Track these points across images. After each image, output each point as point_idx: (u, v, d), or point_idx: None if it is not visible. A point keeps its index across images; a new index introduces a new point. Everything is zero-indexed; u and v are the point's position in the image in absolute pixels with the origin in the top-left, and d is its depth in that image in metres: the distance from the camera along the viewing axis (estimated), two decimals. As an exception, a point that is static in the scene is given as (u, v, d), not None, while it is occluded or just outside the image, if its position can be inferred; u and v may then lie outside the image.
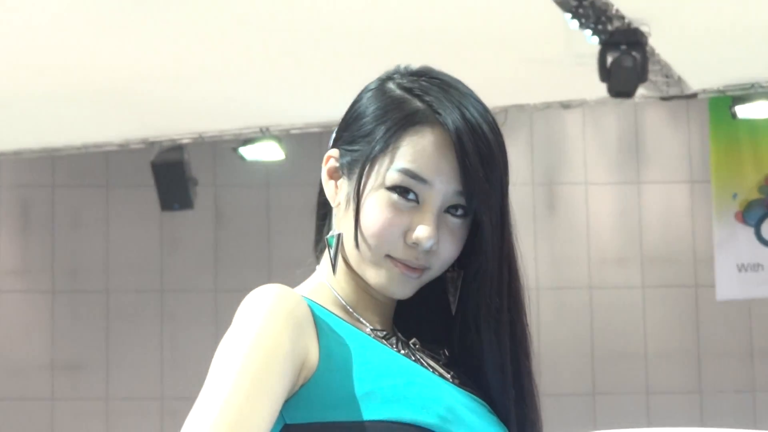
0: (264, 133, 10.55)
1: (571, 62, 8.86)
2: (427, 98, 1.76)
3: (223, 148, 11.21)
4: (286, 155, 11.01)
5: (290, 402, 1.67)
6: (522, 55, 8.66)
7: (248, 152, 10.97)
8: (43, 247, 14.55)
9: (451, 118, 1.74)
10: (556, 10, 7.89)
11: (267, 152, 11.14)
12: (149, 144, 10.72)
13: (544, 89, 9.96)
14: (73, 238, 14.45)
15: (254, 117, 10.32)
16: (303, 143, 11.45)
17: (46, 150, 11.38)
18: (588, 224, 13.79)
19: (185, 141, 10.71)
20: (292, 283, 1.86)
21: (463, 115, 1.75)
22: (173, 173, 10.71)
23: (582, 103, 10.43)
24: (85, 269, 14.34)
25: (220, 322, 14.44)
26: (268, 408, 1.62)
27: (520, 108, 10.51)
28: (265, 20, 8.35)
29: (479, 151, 1.74)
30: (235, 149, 10.90)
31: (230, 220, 13.99)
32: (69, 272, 14.48)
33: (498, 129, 1.79)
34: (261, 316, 1.67)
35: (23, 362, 14.55)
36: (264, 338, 1.66)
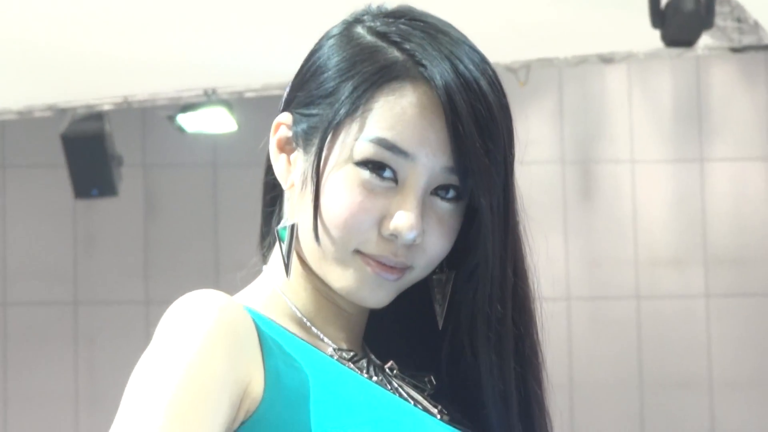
0: (210, 97, 10.40)
1: (614, 2, 8.86)
2: (408, 46, 1.72)
3: (156, 117, 11.17)
4: (239, 126, 10.98)
5: None
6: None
7: (189, 122, 10.84)
8: None
9: (438, 71, 1.70)
10: None
11: (214, 122, 11.00)
12: (59, 111, 10.60)
13: (578, 38, 9.85)
14: None
15: (196, 75, 10.16)
16: (261, 110, 10.49)
17: None
18: (635, 214, 13.60)
19: (106, 107, 10.54)
20: (238, 290, 1.82)
21: (455, 68, 1.71)
22: (91, 149, 10.57)
23: (627, 56, 10.42)
24: None
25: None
26: None
27: (547, 63, 10.39)
28: None
29: (476, 115, 1.70)
30: (171, 118, 10.77)
31: (166, 210, 13.87)
32: None
33: (501, 87, 1.75)
34: (187, 334, 1.60)
35: None
36: (191, 364, 1.58)
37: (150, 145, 13.15)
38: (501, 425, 1.77)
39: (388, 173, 1.69)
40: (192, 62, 10.04)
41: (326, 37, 1.80)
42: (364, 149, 1.68)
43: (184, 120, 10.92)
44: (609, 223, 13.32)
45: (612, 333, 12.88)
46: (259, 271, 1.84)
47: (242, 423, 1.60)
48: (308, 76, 1.78)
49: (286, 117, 1.78)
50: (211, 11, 9.24)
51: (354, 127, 1.70)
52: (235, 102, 10.77)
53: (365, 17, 1.77)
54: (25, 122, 11.37)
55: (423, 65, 1.69)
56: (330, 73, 1.75)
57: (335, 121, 1.71)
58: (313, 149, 1.73)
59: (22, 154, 12.64)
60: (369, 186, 1.69)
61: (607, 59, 10.55)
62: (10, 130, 12.28)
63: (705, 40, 9.14)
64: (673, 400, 12.51)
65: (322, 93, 1.74)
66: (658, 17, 8.46)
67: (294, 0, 8.92)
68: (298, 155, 1.76)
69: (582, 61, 10.55)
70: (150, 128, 12.62)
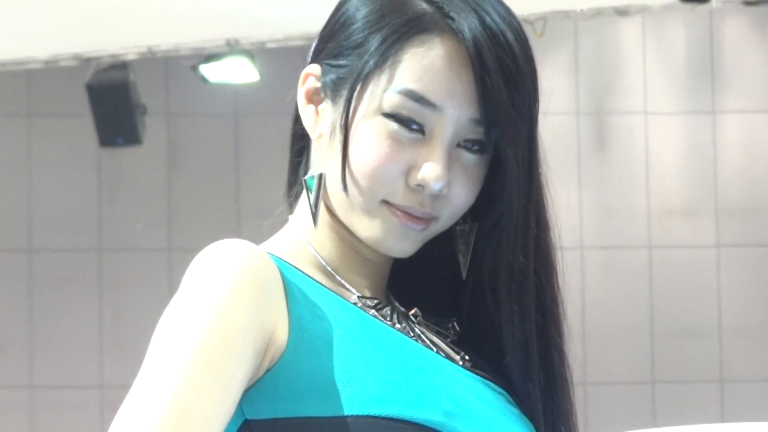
0: (232, 47, 10.30)
1: None
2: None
3: (180, 67, 11.13)
4: (261, 76, 10.93)
5: (252, 391, 1.63)
6: None
7: (212, 72, 10.79)
8: None
9: (466, 23, 1.71)
10: None
11: (236, 72, 10.97)
12: (84, 61, 10.47)
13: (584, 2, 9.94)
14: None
15: (219, 26, 9.95)
16: (282, 60, 11.11)
17: None
18: (647, 165, 13.61)
19: (131, 57, 10.41)
20: (263, 239, 1.82)
21: (482, 21, 1.71)
22: (115, 98, 10.54)
23: (642, 9, 10.41)
24: (1, 223, 14.10)
25: (175, 289, 15.16)
26: (222, 400, 1.58)
27: (563, 15, 10.31)
28: None
29: (503, 67, 1.70)
30: (194, 68, 10.72)
31: (188, 159, 13.87)
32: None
33: (526, 39, 1.76)
34: (214, 282, 1.62)
35: None
36: (218, 311, 1.61)
37: (173, 94, 13.12)
38: (521, 373, 1.76)
39: (415, 125, 1.69)
40: (215, 12, 9.87)
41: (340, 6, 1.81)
42: (393, 100, 1.68)
43: (206, 70, 10.87)
44: (622, 173, 13.32)
45: (624, 281, 12.92)
46: (285, 221, 1.85)
47: (267, 370, 1.61)
48: (337, 27, 1.77)
49: (314, 68, 1.78)
50: None
51: (383, 78, 1.70)
52: (257, 52, 10.67)
53: None
54: (51, 71, 11.33)
55: (451, 17, 1.69)
56: (359, 24, 1.74)
57: (364, 72, 1.71)
58: (342, 100, 1.73)
59: (48, 103, 12.73)
60: (397, 137, 1.68)
61: (622, 12, 10.55)
62: (36, 79, 12.22)
63: None
64: (683, 346, 12.59)
65: (351, 44, 1.74)
66: None
67: None
68: (327, 106, 1.76)
69: (598, 13, 10.57)
70: (173, 78, 12.59)
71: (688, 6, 9.59)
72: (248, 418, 1.64)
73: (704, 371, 12.68)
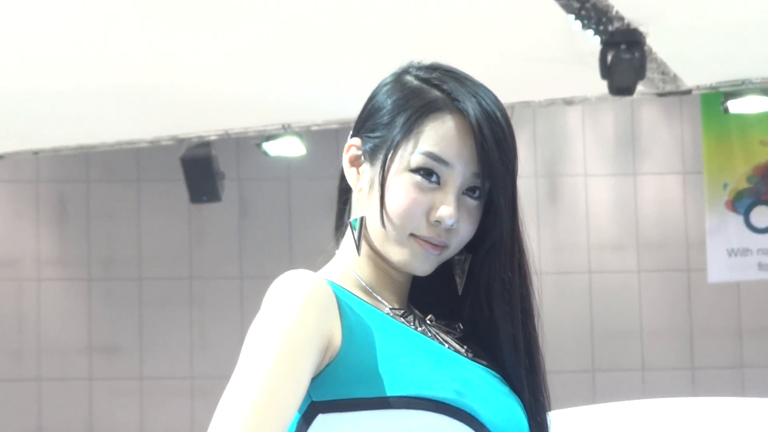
0: (286, 130, 10.52)
1: (574, 61, 8.84)
2: (445, 87, 1.76)
3: (248, 144, 11.30)
4: (307, 150, 11.04)
5: (316, 380, 1.67)
6: (527, 55, 8.67)
7: (271, 147, 10.95)
8: (79, 238, 14.68)
9: (470, 105, 1.74)
10: (560, 11, 7.89)
11: (289, 147, 11.09)
12: (178, 141, 10.67)
13: (547, 87, 9.87)
14: (107, 229, 14.54)
15: (277, 114, 10.24)
16: (322, 139, 11.51)
17: (81, 147, 11.33)
18: (587, 213, 13.88)
19: (212, 137, 10.68)
20: (313, 270, 1.85)
21: (479, 103, 1.75)
22: (201, 168, 10.68)
23: (583, 100, 10.41)
24: (119, 259, 14.48)
25: (245, 306, 14.68)
26: (296, 388, 1.63)
27: (525, 104, 10.31)
28: (285, 19, 8.19)
29: (495, 137, 1.74)
30: (258, 145, 10.88)
31: (254, 212, 14.14)
32: (104, 261, 14.56)
33: (508, 117, 1.80)
34: (288, 302, 1.67)
35: (63, 345, 14.77)
36: (291, 322, 1.66)
37: (243, 164, 13.28)
38: (511, 360, 1.78)
39: (434, 177, 1.70)
40: (273, 104, 9.94)
41: (382, 84, 1.82)
42: (418, 160, 1.70)
43: (267, 146, 10.94)
44: (569, 219, 13.59)
45: (572, 299, 13.06)
46: (332, 255, 1.87)
47: (327, 365, 1.65)
48: (372, 111, 1.80)
49: (356, 140, 1.80)
50: (287, 66, 9.15)
51: (410, 144, 1.71)
52: (304, 133, 10.76)
53: (410, 69, 1.79)
54: (155, 149, 11.56)
55: (458, 100, 1.72)
56: (388, 107, 1.77)
57: (395, 141, 1.73)
58: (379, 161, 1.75)
59: (153, 172, 13.04)
60: (420, 187, 1.70)
61: (568, 102, 10.35)
62: (144, 154, 12.52)
63: (639, 87, 8.90)
64: (615, 346, 12.81)
65: (384, 121, 1.76)
66: (605, 71, 8.33)
67: (344, 57, 8.90)
68: (366, 167, 1.77)
69: (551, 103, 10.38)
70: (243, 152, 12.69)
71: (617, 97, 9.19)
72: (314, 399, 1.68)
73: (631, 363, 12.74)
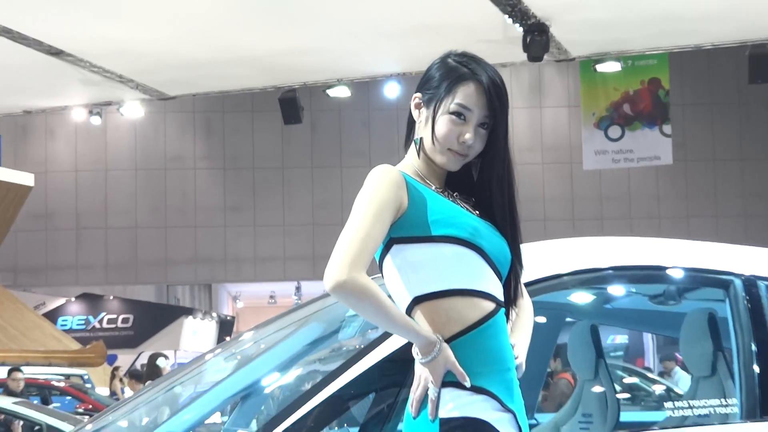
0: (339, 81, 12.37)
1: (506, 41, 10.53)
2: (470, 66, 2.15)
3: (317, 90, 13.49)
4: (351, 93, 13.42)
5: (394, 226, 2.10)
6: (480, 38, 10.04)
7: (330, 92, 12.90)
8: (217, 145, 20.03)
9: (484, 77, 2.14)
10: (499, 13, 9.77)
11: (340, 91, 12.92)
12: (277, 88, 12.60)
13: (491, 57, 9.52)
14: (233, 140, 19.70)
15: (334, 72, 12.08)
16: (360, 87, 14.40)
17: (220, 91, 13.36)
18: (512, 129, 15.69)
19: (296, 86, 12.39)
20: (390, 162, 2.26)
21: (489, 76, 2.15)
22: (289, 104, 12.42)
23: (511, 64, 12.07)
24: (242, 156, 19.71)
25: (314, 184, 19.22)
26: (381, 230, 2.09)
27: None
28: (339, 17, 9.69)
29: (498, 95, 2.14)
30: (324, 90, 12.96)
31: (320, 129, 19.11)
32: (233, 158, 19.90)
33: (504, 83, 2.17)
34: (378, 183, 2.09)
35: (209, 206, 19.97)
36: (380, 193, 2.09)
37: (314, 101, 17.25)
38: (501, 217, 2.20)
39: (462, 118, 2.11)
40: (333, 67, 11.54)
41: (434, 63, 2.21)
42: (453, 107, 2.12)
43: (329, 91, 12.57)
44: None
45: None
46: (401, 157, 2.23)
47: (399, 218, 2.11)
48: (429, 77, 2.21)
49: (418, 94, 2.20)
50: (342, 46, 10.68)
51: (449, 98, 2.13)
52: (349, 83, 12.49)
53: (450, 54, 2.19)
54: (264, 93, 13.65)
55: (477, 74, 2.13)
56: (438, 77, 2.18)
57: (441, 96, 2.14)
58: (432, 107, 2.16)
59: (262, 105, 16.80)
60: (454, 122, 2.12)
61: (503, 65, 6.96)
62: (257, 95, 15.65)
63: (545, 57, 10.49)
64: (524, 207, 17.11)
65: (435, 84, 2.18)
66: (525, 47, 9.95)
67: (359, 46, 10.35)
68: (423, 109, 2.18)
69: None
70: (314, 94, 15.72)
71: (532, 63, 10.61)
72: (392, 236, 2.11)
73: (534, 215, 16.96)
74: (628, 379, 10.10)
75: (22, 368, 10.60)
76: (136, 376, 9.47)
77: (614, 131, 13.94)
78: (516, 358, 2.17)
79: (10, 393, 9.45)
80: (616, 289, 3.06)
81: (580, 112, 14.83)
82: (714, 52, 11.59)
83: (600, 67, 12.79)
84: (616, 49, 11.27)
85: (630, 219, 17.93)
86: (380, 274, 2.16)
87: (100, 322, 20.97)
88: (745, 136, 18.71)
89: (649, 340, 17.59)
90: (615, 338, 17.31)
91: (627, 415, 3.86)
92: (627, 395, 8.77)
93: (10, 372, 10.03)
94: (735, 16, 10.01)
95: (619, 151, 14.03)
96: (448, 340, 2.09)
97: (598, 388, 3.21)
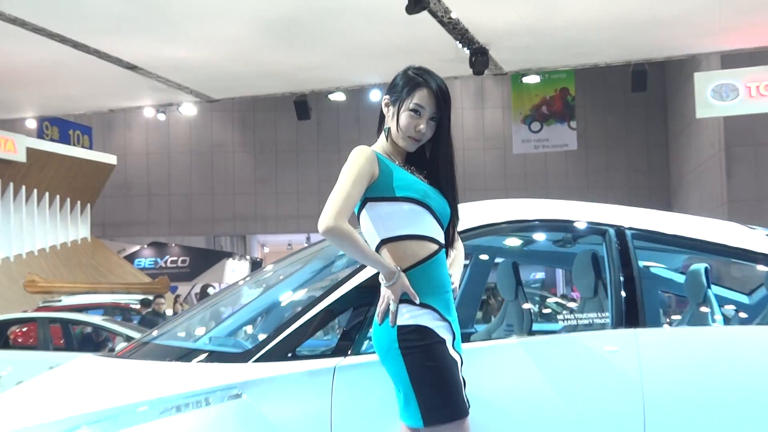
0: (338, 89, 11.93)
1: (457, 60, 10.20)
2: (424, 77, 2.11)
3: (321, 95, 12.87)
4: (346, 97, 13.50)
5: (367, 190, 2.09)
6: (439, 58, 9.95)
7: (331, 96, 12.58)
8: (249, 134, 19.04)
9: (434, 84, 2.11)
10: (452, 40, 9.52)
11: (338, 96, 12.22)
12: (292, 93, 12.26)
13: (446, 72, 10.40)
14: (271, 131, 18.61)
15: (334, 82, 11.58)
16: (353, 93, 14.59)
17: (253, 96, 12.72)
18: (462, 125, 17.68)
19: (306, 92, 11.88)
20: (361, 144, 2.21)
21: (437, 84, 2.12)
22: (302, 104, 12.07)
23: (462, 77, 11.32)
24: (266, 142, 18.86)
25: (320, 165, 18.55)
26: (359, 192, 2.06)
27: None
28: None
29: (444, 97, 2.12)
30: (326, 95, 12.65)
31: (325, 123, 18.80)
32: (260, 143, 19.03)
33: (448, 89, 2.13)
34: (357, 158, 2.07)
35: (243, 180, 19.10)
36: (358, 165, 2.06)
37: (319, 103, 16.69)
38: (446, 184, 2.16)
39: (418, 113, 2.08)
40: (334, 79, 11.11)
41: (398, 73, 2.14)
42: (412, 105, 2.08)
43: (330, 96, 12.08)
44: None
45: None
46: (374, 141, 2.18)
47: (371, 183, 2.08)
48: (394, 84, 2.14)
49: (387, 96, 2.15)
50: (338, 64, 10.42)
51: (409, 99, 2.09)
52: (345, 90, 11.84)
53: (410, 68, 2.12)
54: (285, 96, 12.35)
55: (428, 83, 2.09)
56: (401, 84, 2.13)
57: (403, 98, 2.09)
58: (396, 106, 2.11)
59: (285, 104, 15.08)
60: (412, 117, 2.08)
61: (454, 78, 10.77)
62: (279, 99, 13.83)
63: (485, 72, 9.88)
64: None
65: (399, 89, 2.12)
66: (471, 64, 9.60)
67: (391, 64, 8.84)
68: (391, 107, 2.14)
69: (447, 79, 7.62)
70: (320, 98, 15.44)
71: (476, 76, 10.04)
72: (366, 196, 2.09)
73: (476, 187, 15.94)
74: (540, 301, 10.05)
75: (111, 295, 10.58)
76: (191, 302, 9.28)
77: (535, 126, 13.84)
78: (453, 284, 2.16)
79: (155, 314, 9.12)
80: (532, 236, 3.00)
81: (510, 112, 14.74)
82: (607, 69, 11.36)
83: (525, 80, 12.67)
84: (537, 66, 11.20)
85: (547, 189, 17.69)
86: (359, 225, 2.15)
87: (165, 262, 20.94)
88: (629, 130, 18.50)
89: (560, 274, 17.33)
90: (536, 274, 17.20)
91: (537, 326, 3.84)
92: (537, 311, 8.76)
93: (155, 298, 9.68)
94: (622, 43, 9.99)
95: (538, 140, 13.86)
96: (405, 270, 2.08)
97: (517, 306, 3.19)
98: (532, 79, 12.58)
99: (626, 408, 2.40)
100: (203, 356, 2.32)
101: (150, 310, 9.48)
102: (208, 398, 2.15)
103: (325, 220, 1.99)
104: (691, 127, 14.55)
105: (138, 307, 10.41)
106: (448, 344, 2.09)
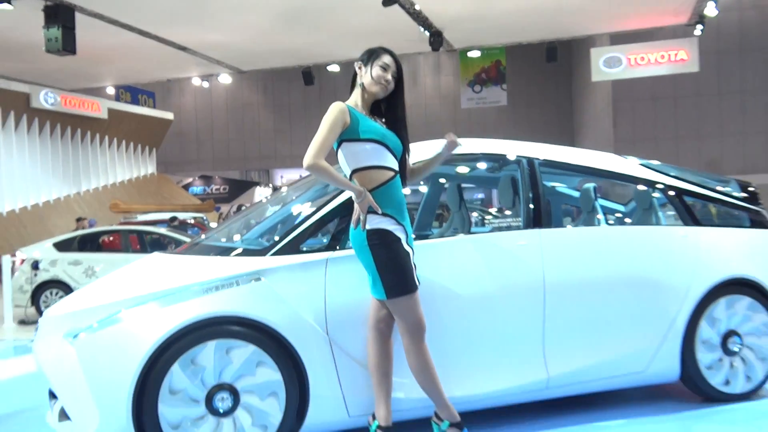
0: (334, 62, 11.77)
1: (418, 40, 10.19)
2: (385, 49, 2.10)
3: (322, 67, 12.14)
4: (340, 68, 12.44)
5: (342, 134, 2.04)
6: (405, 38, 10.06)
7: (330, 68, 12.13)
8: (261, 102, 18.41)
9: (392, 54, 2.11)
10: (416, 25, 9.48)
11: (335, 68, 12.23)
12: (299, 66, 11.93)
13: (411, 48, 10.69)
14: (282, 94, 17.90)
15: (332, 56, 11.24)
16: (346, 65, 12.79)
17: (263, 69, 12.25)
18: (425, 94, 17.03)
19: (311, 65, 11.99)
20: (341, 100, 2.17)
21: (393, 54, 2.12)
22: (308, 74, 12.03)
23: (423, 53, 11.23)
24: (285, 103, 18.21)
25: (321, 113, 18.59)
26: (334, 136, 2.00)
27: (401, 56, 10.26)
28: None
29: (398, 64, 2.12)
30: (325, 66, 11.84)
31: (326, 88, 18.01)
32: (281, 104, 18.20)
33: (399, 59, 2.14)
34: (333, 110, 2.00)
35: (267, 155, 18.62)
36: (334, 115, 1.99)
37: (322, 74, 15.51)
38: (401, 129, 2.08)
39: (385, 69, 2.04)
40: (334, 54, 10.93)
41: (366, 50, 2.10)
42: (381, 62, 2.04)
43: (328, 67, 11.58)
44: (414, 99, 15.74)
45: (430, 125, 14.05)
46: (348, 96, 2.12)
47: (345, 129, 2.00)
48: (365, 54, 2.08)
49: (359, 62, 2.10)
50: (338, 42, 10.11)
51: (377, 62, 2.04)
52: (340, 63, 11.55)
53: (374, 46, 2.08)
54: (292, 69, 12.12)
55: (389, 52, 2.06)
56: (369, 52, 2.08)
57: (373, 59, 2.05)
58: (369, 64, 2.06)
59: (300, 78, 13.90)
60: (382, 69, 2.04)
61: (417, 54, 11.14)
62: (291, 71, 13.00)
63: (442, 48, 9.88)
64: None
65: (367, 56, 2.08)
66: (430, 43, 9.39)
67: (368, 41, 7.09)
68: (363, 67, 2.10)
69: (409, 54, 10.92)
70: (321, 70, 13.97)
71: (434, 52, 10.01)
72: (341, 138, 2.02)
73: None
74: (477, 213, 9.64)
75: (175, 215, 10.20)
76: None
77: (477, 88, 13.54)
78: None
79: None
80: (473, 165, 2.89)
81: (459, 78, 14.31)
82: (529, 46, 11.06)
83: (470, 54, 12.46)
84: (478, 44, 11.01)
85: (485, 133, 17.34)
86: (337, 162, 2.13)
87: (211, 189, 20.60)
88: (544, 90, 18.15)
89: (495, 194, 16.85)
90: (478, 195, 16.84)
91: (475, 229, 3.69)
92: (476, 220, 8.57)
93: (219, 216, 9.32)
94: (540, 27, 9.86)
95: (479, 98, 13.57)
96: (370, 191, 2.07)
97: (460, 216, 3.14)
98: (475, 54, 12.44)
99: (532, 282, 2.46)
100: (235, 252, 2.33)
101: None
102: (238, 281, 2.17)
103: (307, 159, 1.96)
104: (589, 88, 14.49)
105: (192, 221, 10.29)
106: (403, 242, 2.08)
